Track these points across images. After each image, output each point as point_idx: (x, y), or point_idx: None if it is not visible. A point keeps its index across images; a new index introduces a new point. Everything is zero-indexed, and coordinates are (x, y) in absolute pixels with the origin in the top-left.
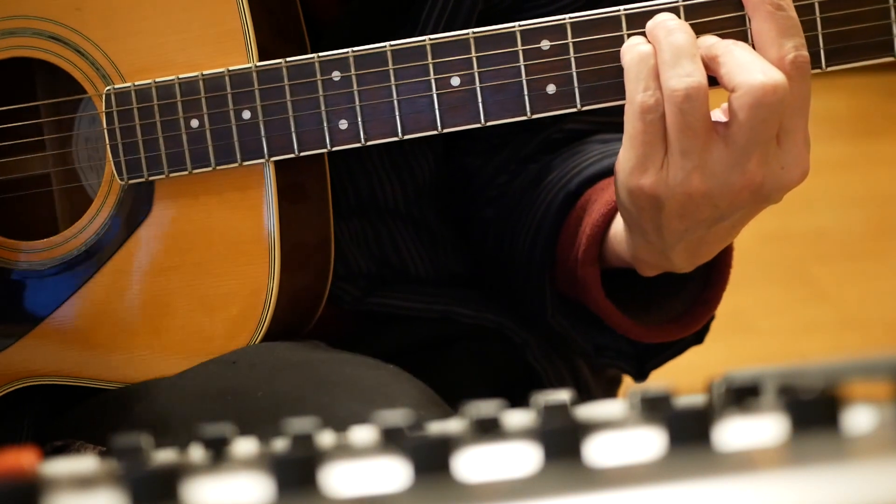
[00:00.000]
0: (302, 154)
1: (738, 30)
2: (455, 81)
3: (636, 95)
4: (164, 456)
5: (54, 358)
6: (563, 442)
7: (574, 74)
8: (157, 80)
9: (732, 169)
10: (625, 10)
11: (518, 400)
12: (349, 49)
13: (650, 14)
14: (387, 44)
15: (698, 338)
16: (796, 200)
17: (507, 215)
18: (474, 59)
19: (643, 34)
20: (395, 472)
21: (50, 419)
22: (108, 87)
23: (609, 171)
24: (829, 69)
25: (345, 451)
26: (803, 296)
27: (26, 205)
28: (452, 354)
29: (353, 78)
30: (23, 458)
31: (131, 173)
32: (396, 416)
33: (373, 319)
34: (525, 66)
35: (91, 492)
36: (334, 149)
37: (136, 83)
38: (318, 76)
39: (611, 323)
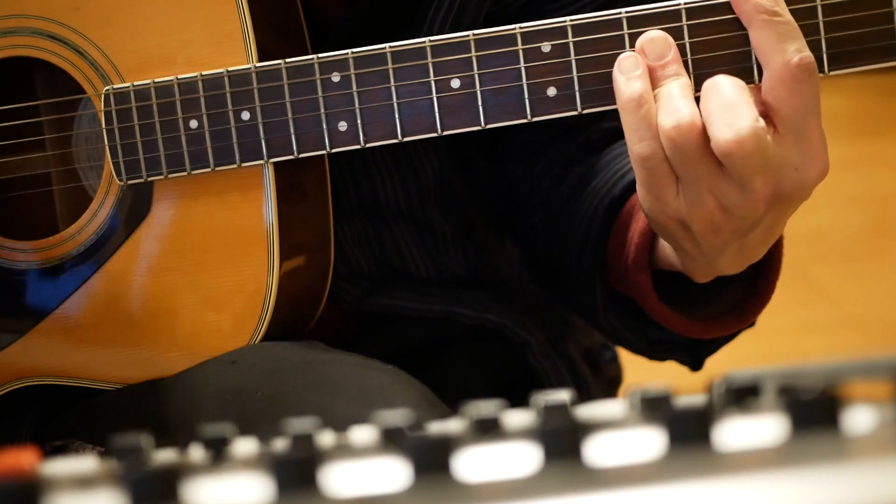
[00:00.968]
0: (301, 155)
1: (740, 32)
2: (455, 83)
3: (633, 146)
4: (164, 456)
5: (53, 358)
6: (563, 442)
7: (575, 77)
8: (156, 80)
9: (741, 190)
10: (626, 12)
11: (518, 400)
12: (349, 50)
13: (651, 17)
14: (386, 45)
15: (752, 322)
16: None
17: (554, 221)
18: (474, 61)
19: (635, 47)
20: (395, 472)
21: (49, 419)
22: (106, 87)
23: None
24: (832, 73)
25: (345, 451)
26: (803, 296)
27: (26, 204)
28: (453, 355)
29: (353, 79)
30: (23, 458)
31: (130, 174)
32: (396, 417)
33: (373, 319)
34: (525, 68)
35: (91, 492)
36: (333, 150)
37: (135, 83)
38: (318, 77)
39: (667, 324)
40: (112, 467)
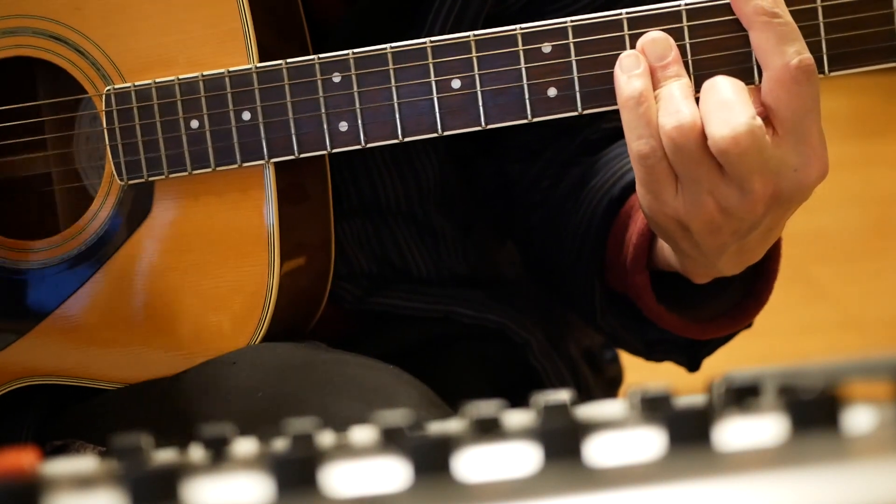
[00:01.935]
0: (302, 156)
1: (740, 34)
2: (456, 84)
3: (632, 144)
4: (164, 456)
5: (54, 357)
6: (563, 442)
7: (575, 78)
8: (157, 80)
9: (740, 191)
10: (627, 13)
11: (518, 400)
12: (349, 50)
13: (652, 18)
14: (387, 45)
15: (749, 323)
16: None
17: (552, 221)
18: (475, 62)
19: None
20: (395, 472)
21: (49, 419)
22: (107, 87)
23: None
24: (833, 74)
25: (345, 451)
26: (803, 296)
27: (27, 204)
28: (453, 354)
29: (354, 79)
30: (23, 458)
31: (131, 174)
32: (396, 417)
33: (374, 319)
34: (526, 68)
35: (91, 492)
36: (334, 150)
37: (136, 83)
38: (319, 77)
39: (665, 325)
40: (112, 467)
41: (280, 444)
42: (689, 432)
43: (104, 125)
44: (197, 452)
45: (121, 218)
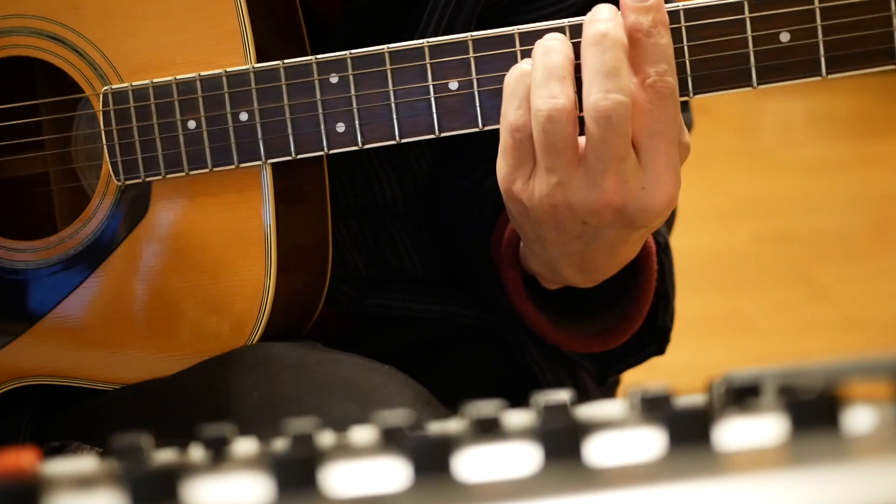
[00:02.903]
0: (299, 156)
1: (739, 36)
2: (453, 85)
3: (508, 112)
4: (164, 456)
5: (51, 358)
6: (563, 442)
7: None
8: (155, 80)
9: (591, 187)
10: None
11: (517, 400)
12: (347, 51)
13: None
14: (385, 46)
15: (659, 349)
16: (796, 200)
17: (458, 215)
18: (472, 63)
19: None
20: (395, 472)
21: (47, 419)
22: (105, 87)
23: None
24: (831, 77)
25: (345, 451)
26: (803, 296)
27: (25, 204)
28: (451, 355)
29: (351, 80)
30: (23, 458)
31: (128, 174)
32: (396, 417)
33: (371, 320)
34: None
35: (91, 492)
36: (331, 152)
37: (134, 83)
38: (316, 78)
39: (535, 327)
40: (112, 467)
41: (280, 444)
42: (689, 432)
43: (101, 125)
44: (197, 452)
45: (118, 218)
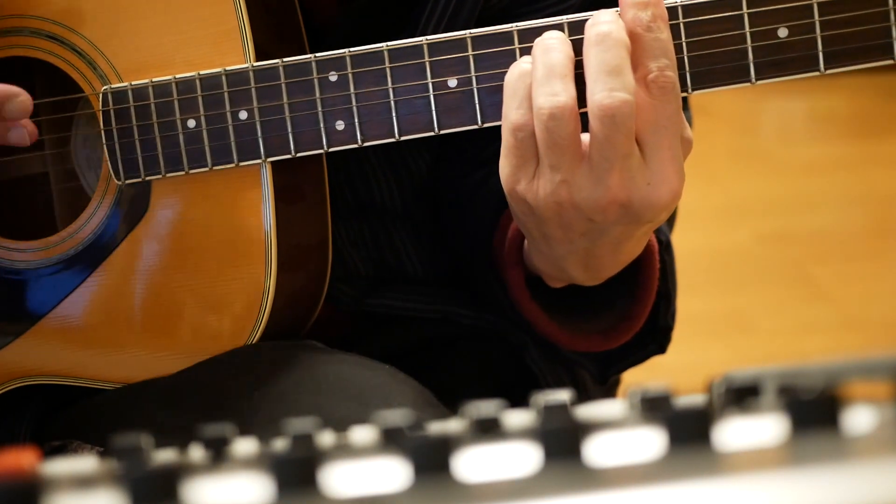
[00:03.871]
0: (298, 155)
1: (737, 32)
2: (452, 83)
3: (509, 112)
4: (164, 456)
5: (51, 358)
6: (563, 442)
7: None
8: (154, 79)
9: (596, 184)
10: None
11: (517, 400)
12: (346, 49)
13: None
14: (383, 44)
15: (661, 348)
16: (796, 200)
17: (461, 215)
18: (471, 60)
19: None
20: (395, 472)
21: (48, 419)
22: (104, 87)
23: None
24: (829, 72)
25: (345, 451)
26: (803, 296)
27: (25, 204)
28: (451, 355)
29: (350, 78)
30: (23, 458)
31: (128, 173)
32: (396, 416)
33: (371, 320)
34: None
35: (91, 492)
36: (331, 150)
37: (133, 83)
38: (315, 76)
39: (539, 327)
40: (112, 467)
41: (280, 444)
42: (689, 432)
43: (101, 125)
44: (197, 452)
45: (118, 217)
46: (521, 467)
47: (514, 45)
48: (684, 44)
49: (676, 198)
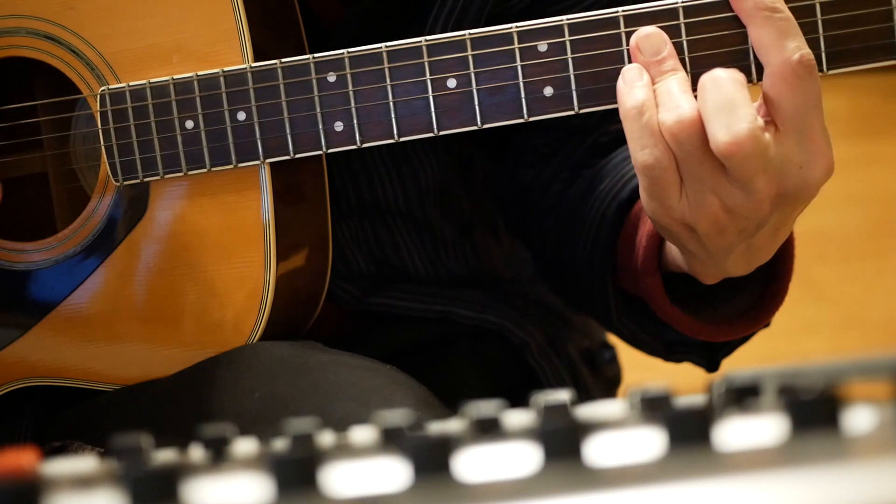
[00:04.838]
0: (297, 156)
1: (737, 31)
2: (451, 83)
3: (637, 155)
4: (164, 456)
5: (51, 358)
6: (563, 442)
7: (572, 77)
8: (152, 80)
9: (744, 191)
10: (623, 11)
11: (518, 401)
12: (344, 49)
13: (648, 15)
14: (382, 44)
15: (767, 323)
16: None
17: (564, 225)
18: (470, 60)
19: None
20: (395, 472)
21: (48, 420)
22: (102, 88)
23: None
24: (831, 73)
25: (345, 451)
26: (803, 296)
27: (24, 205)
28: (452, 355)
29: (349, 79)
30: (23, 458)
31: (126, 174)
32: (396, 417)
33: (372, 319)
34: (522, 67)
35: (91, 492)
36: (330, 151)
37: (131, 83)
38: (314, 77)
39: (679, 327)
40: (112, 467)
41: (280, 444)
42: (689, 432)
43: (99, 125)
44: (197, 452)
45: (117, 218)
46: (521, 467)
47: (513, 45)
48: (684, 42)
49: (832, 169)
